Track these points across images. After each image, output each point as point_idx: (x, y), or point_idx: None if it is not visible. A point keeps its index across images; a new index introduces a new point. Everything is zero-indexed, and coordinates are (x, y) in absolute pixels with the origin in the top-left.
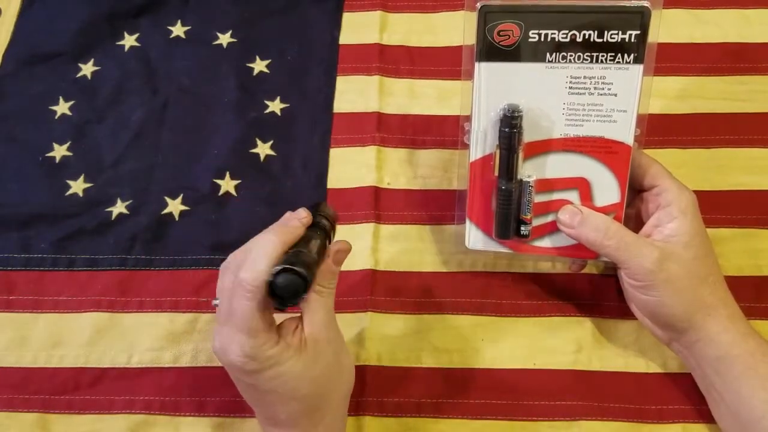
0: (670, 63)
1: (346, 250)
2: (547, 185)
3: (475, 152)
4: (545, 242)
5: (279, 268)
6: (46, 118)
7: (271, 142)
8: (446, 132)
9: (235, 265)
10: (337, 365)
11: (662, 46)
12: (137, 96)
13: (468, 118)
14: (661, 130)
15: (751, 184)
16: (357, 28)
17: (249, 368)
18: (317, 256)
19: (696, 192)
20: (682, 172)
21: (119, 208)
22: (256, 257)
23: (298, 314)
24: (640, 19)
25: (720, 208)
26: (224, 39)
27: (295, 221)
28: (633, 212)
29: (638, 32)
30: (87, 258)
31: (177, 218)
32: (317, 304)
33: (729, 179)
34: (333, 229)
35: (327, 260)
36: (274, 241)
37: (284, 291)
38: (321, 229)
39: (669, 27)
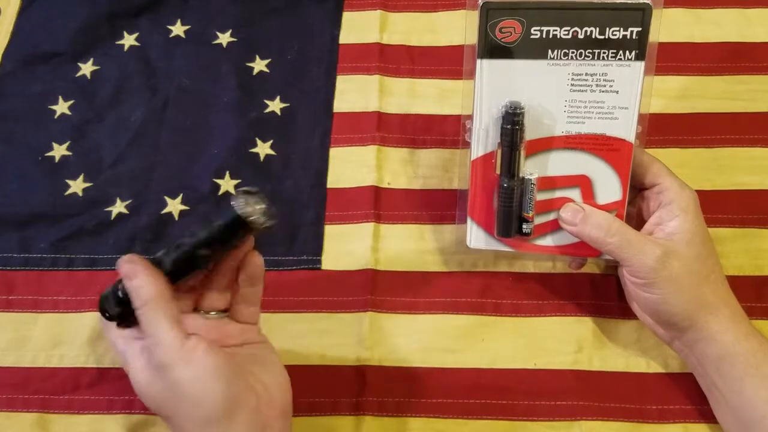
0: (671, 62)
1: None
2: (548, 183)
3: (477, 150)
4: (547, 240)
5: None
6: (45, 118)
7: (270, 141)
8: (447, 131)
9: None
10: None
11: (662, 46)
12: (137, 96)
13: (469, 117)
14: (661, 129)
15: (752, 184)
16: (357, 28)
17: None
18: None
19: (696, 192)
20: (683, 172)
21: (119, 207)
22: None
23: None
24: (642, 15)
25: (721, 208)
26: (224, 38)
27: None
28: (634, 210)
29: (639, 29)
30: (86, 258)
31: (177, 218)
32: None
33: (730, 179)
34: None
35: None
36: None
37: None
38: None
39: (669, 26)
